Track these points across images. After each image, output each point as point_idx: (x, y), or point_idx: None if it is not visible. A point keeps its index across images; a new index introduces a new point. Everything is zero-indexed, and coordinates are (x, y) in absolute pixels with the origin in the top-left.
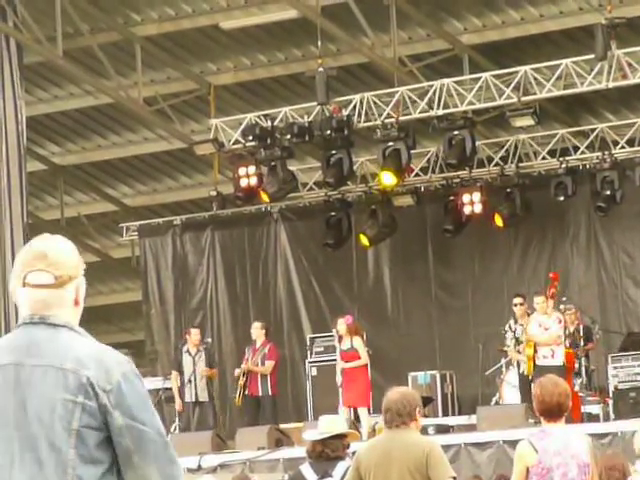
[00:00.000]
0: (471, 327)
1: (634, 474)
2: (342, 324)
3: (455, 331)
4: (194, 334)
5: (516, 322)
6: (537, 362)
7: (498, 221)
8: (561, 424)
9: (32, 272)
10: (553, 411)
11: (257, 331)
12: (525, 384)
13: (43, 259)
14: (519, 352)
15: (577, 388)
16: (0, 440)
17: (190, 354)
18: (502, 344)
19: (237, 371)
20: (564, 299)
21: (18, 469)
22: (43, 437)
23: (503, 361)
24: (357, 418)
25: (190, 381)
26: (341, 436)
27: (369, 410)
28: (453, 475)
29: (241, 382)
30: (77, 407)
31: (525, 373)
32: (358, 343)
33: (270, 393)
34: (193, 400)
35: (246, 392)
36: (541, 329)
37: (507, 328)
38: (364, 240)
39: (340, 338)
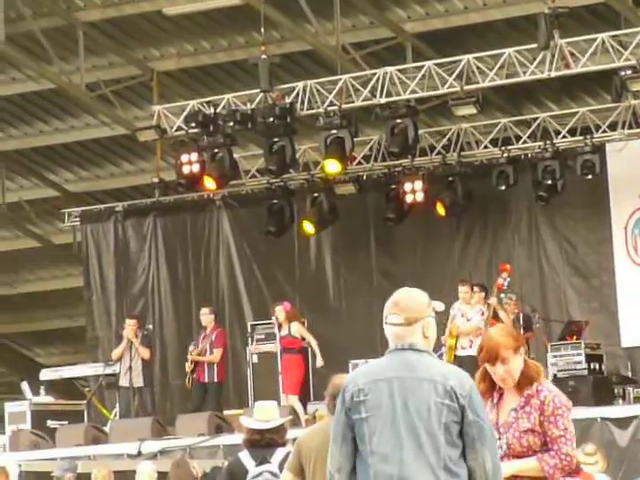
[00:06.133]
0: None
1: (584, 457)
2: (280, 311)
3: None
4: (128, 325)
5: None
6: (457, 353)
7: (440, 210)
8: None
9: (390, 315)
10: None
11: (206, 317)
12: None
13: (397, 306)
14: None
15: None
16: (390, 430)
17: (128, 341)
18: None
19: (187, 365)
20: (505, 287)
21: (405, 449)
22: (422, 428)
23: (443, 349)
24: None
25: (130, 368)
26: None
27: (304, 398)
28: None
29: (188, 369)
30: (444, 407)
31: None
32: (296, 328)
33: (216, 380)
34: (127, 386)
35: (194, 376)
36: (463, 319)
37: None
38: (308, 226)
39: (280, 325)
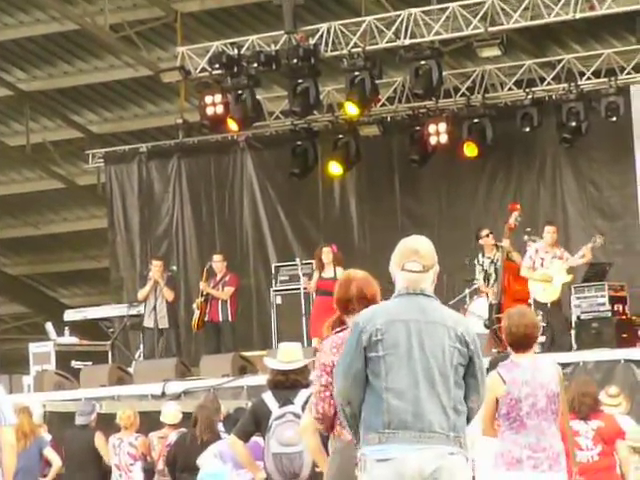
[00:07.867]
0: (437, 257)
1: (607, 398)
2: (328, 252)
3: None
4: (155, 266)
5: (483, 255)
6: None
7: (471, 151)
8: (530, 355)
9: (410, 262)
10: (521, 342)
11: (219, 264)
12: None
13: (417, 253)
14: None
15: (539, 318)
16: (408, 369)
17: (154, 282)
18: (470, 276)
19: (195, 304)
20: (529, 229)
21: (420, 387)
22: (436, 368)
23: (467, 291)
24: None
25: (154, 309)
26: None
27: None
28: None
29: (197, 307)
30: (456, 350)
31: (493, 302)
32: (341, 274)
33: (230, 319)
34: (152, 327)
35: (206, 318)
36: (561, 262)
37: (475, 262)
38: (335, 167)
39: (322, 266)
